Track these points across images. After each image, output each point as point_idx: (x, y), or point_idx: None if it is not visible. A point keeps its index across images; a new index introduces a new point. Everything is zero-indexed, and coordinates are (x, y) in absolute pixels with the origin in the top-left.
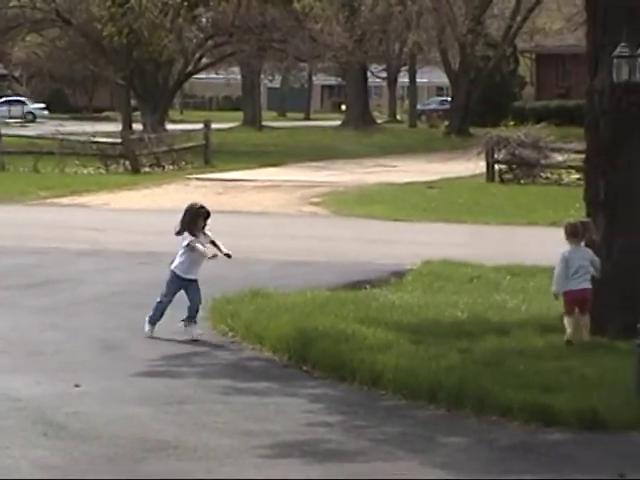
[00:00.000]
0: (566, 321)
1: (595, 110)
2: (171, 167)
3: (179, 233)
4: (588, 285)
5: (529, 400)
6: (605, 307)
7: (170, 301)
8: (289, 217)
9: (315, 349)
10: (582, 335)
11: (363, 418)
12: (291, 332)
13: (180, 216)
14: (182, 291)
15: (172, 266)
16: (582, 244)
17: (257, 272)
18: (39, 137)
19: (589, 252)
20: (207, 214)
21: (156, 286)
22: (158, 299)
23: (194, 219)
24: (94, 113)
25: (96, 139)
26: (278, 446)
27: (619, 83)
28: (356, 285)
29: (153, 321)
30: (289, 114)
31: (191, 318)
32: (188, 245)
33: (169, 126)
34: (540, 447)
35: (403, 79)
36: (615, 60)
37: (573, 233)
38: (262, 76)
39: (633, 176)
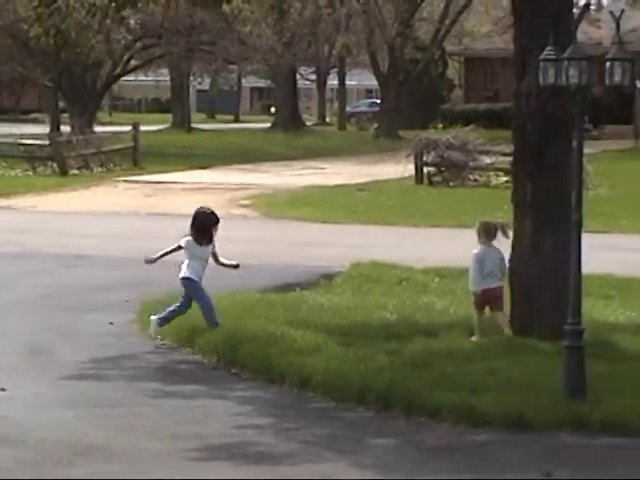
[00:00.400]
0: (476, 321)
1: (522, 113)
2: (99, 169)
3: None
4: (500, 283)
5: (457, 401)
6: (532, 308)
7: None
8: None
9: (244, 352)
10: (504, 332)
11: (292, 420)
12: (220, 335)
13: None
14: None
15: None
16: (494, 243)
17: None
18: None
19: (500, 252)
20: (217, 220)
21: (84, 289)
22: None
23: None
24: (21, 115)
25: (23, 141)
26: (207, 449)
27: (545, 86)
28: (286, 287)
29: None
30: (218, 116)
31: (167, 319)
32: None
33: (97, 128)
34: (467, 448)
35: (332, 81)
36: (542, 63)
37: (486, 232)
38: (191, 78)
39: (560, 178)
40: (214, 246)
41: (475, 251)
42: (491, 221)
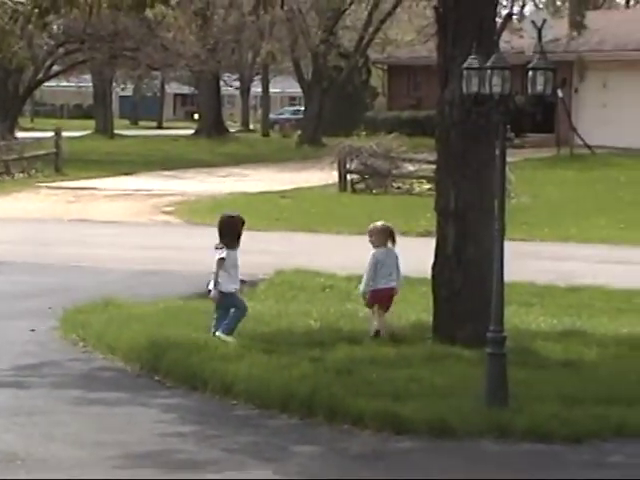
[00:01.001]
0: (370, 316)
1: (445, 121)
2: (21, 175)
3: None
4: (394, 284)
5: (380, 408)
6: (455, 316)
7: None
8: (141, 226)
9: (167, 359)
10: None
11: (216, 428)
12: (143, 342)
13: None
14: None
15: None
16: (390, 245)
17: (109, 281)
18: None
19: (396, 254)
20: (243, 222)
21: (4, 295)
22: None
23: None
24: None
25: None
26: (130, 457)
27: (469, 94)
28: (209, 294)
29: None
30: (141, 123)
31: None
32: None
33: (19, 134)
34: (391, 455)
35: (256, 88)
36: (465, 72)
37: (385, 235)
38: (114, 84)
39: (483, 186)
40: None
41: (373, 252)
42: (387, 224)
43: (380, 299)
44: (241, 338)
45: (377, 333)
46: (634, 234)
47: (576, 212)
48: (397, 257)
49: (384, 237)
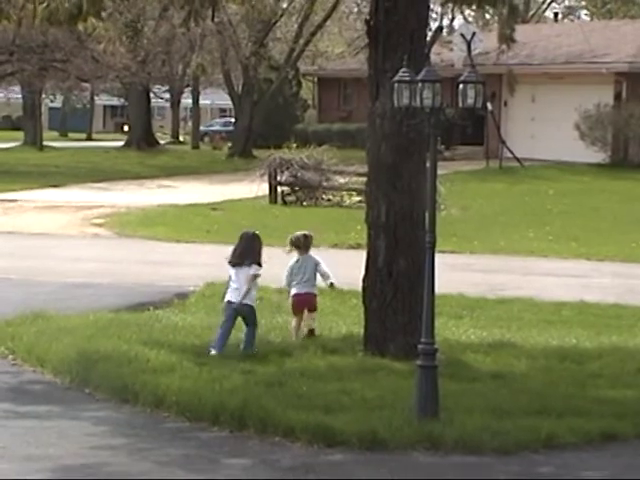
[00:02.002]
0: (292, 323)
1: (376, 133)
2: None
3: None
4: (311, 289)
5: (311, 421)
6: (386, 328)
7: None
8: (71, 238)
9: (97, 372)
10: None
11: (146, 440)
12: (73, 355)
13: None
14: None
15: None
16: (309, 253)
17: (38, 294)
18: None
19: (315, 260)
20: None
21: None
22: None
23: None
24: None
25: None
26: (60, 470)
27: (400, 107)
28: (139, 307)
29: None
30: (71, 134)
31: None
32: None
33: None
34: (321, 467)
35: (187, 100)
36: (396, 85)
37: (296, 245)
38: (43, 96)
39: (413, 199)
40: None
41: (292, 260)
42: (307, 233)
43: (301, 303)
44: (171, 350)
45: (311, 332)
46: (562, 246)
47: (505, 224)
48: (311, 263)
49: (295, 247)
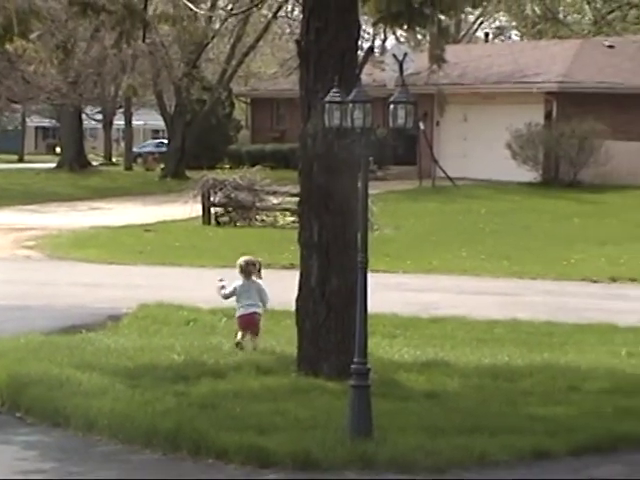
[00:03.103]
0: (239, 335)
1: (308, 154)
2: None
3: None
4: (256, 310)
5: (245, 442)
6: (319, 348)
7: None
8: (2, 261)
9: (28, 395)
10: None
11: (78, 464)
12: (3, 378)
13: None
14: None
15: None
16: (253, 278)
17: None
18: None
19: (258, 285)
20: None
21: None
22: None
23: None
24: None
25: None
26: None
27: (331, 128)
28: (71, 329)
29: None
30: (2, 156)
31: None
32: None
33: None
34: None
35: (119, 121)
36: (327, 105)
37: (241, 270)
38: None
39: (346, 218)
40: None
41: (237, 283)
42: (249, 260)
43: (244, 324)
44: (103, 373)
45: (238, 345)
46: (494, 265)
47: (438, 244)
48: (254, 287)
49: (240, 271)
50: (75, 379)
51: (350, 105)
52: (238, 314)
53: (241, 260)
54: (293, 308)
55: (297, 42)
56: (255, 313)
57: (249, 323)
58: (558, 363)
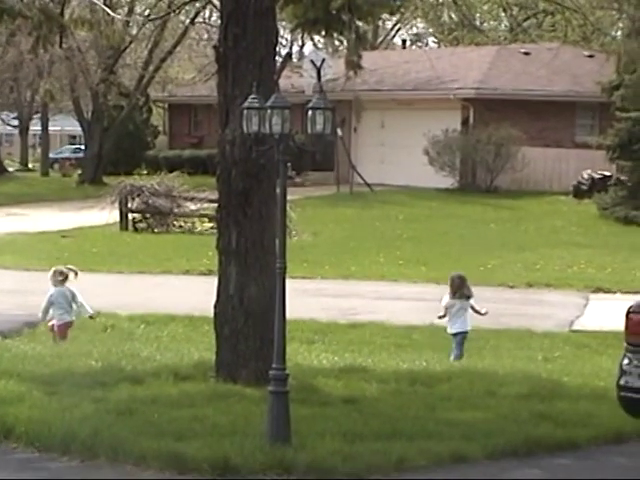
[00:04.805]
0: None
1: (227, 160)
2: None
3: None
4: (67, 318)
5: (163, 448)
6: (238, 355)
7: None
8: None
9: None
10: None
11: None
12: None
13: None
14: None
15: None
16: (65, 286)
17: None
18: None
19: (71, 290)
20: None
21: None
22: None
23: None
24: None
25: None
26: None
27: (249, 134)
28: None
29: None
30: None
31: None
32: None
33: None
34: None
35: (35, 127)
36: (245, 111)
37: (55, 277)
38: None
39: (264, 225)
40: None
41: (50, 291)
42: (60, 268)
43: (59, 331)
44: (20, 380)
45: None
46: (412, 270)
47: (356, 249)
48: (69, 293)
49: (56, 278)
50: None
51: (269, 111)
52: (52, 321)
53: (55, 269)
54: (211, 314)
55: (215, 48)
56: (67, 321)
57: (64, 328)
58: (476, 367)
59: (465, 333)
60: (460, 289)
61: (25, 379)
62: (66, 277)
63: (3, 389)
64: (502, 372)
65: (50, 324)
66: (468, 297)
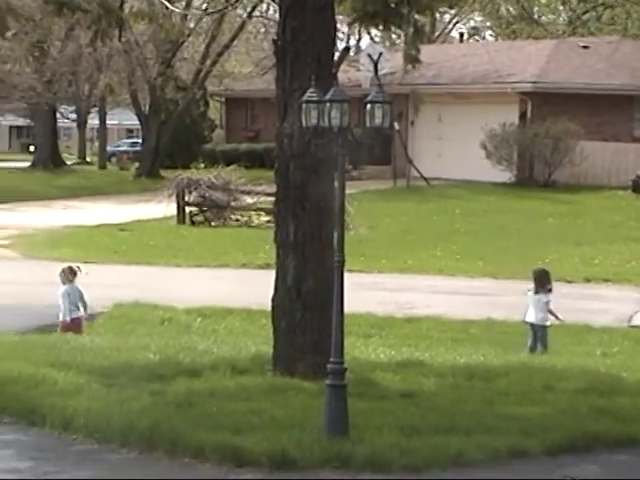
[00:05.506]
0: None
1: (285, 153)
2: None
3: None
4: (80, 313)
5: (221, 441)
6: (295, 348)
7: None
8: None
9: (4, 394)
10: None
11: (53, 463)
12: None
13: None
14: None
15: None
16: (75, 283)
17: None
18: None
19: (79, 288)
20: None
21: None
22: None
23: None
24: None
25: None
26: None
27: (308, 127)
28: (47, 329)
29: None
30: None
31: None
32: None
33: None
34: None
35: (93, 120)
36: (304, 105)
37: (66, 274)
38: None
39: (322, 218)
40: None
41: (62, 289)
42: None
43: (67, 327)
44: (79, 372)
45: None
46: (469, 265)
47: (413, 243)
48: (79, 291)
49: (65, 276)
50: (51, 378)
51: (328, 104)
52: (70, 317)
53: (65, 267)
54: (268, 308)
55: (274, 41)
56: (79, 316)
57: (77, 324)
58: (533, 363)
59: (544, 327)
60: (543, 283)
61: (83, 371)
62: (75, 274)
63: (62, 381)
64: (560, 367)
65: (62, 320)
66: (549, 290)
